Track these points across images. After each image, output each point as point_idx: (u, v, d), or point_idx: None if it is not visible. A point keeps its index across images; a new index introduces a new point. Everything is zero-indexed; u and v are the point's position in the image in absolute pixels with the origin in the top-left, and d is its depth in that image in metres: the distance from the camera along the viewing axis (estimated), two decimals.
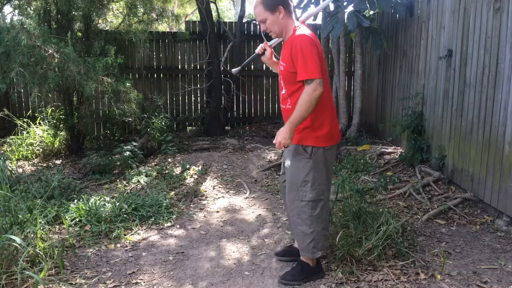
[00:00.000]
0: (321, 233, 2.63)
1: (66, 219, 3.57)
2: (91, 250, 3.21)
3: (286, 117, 2.59)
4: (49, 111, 6.27)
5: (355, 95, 6.29)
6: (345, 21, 5.42)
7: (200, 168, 5.23)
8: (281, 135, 2.47)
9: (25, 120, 6.32)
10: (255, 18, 2.64)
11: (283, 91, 2.64)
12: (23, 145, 5.99)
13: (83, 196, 4.01)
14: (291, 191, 2.62)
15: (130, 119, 6.14)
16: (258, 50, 2.79)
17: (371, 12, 6.83)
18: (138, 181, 4.72)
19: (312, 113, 2.48)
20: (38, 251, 2.76)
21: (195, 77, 7.83)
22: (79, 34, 6.10)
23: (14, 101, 6.82)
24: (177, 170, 5.17)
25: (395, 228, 2.91)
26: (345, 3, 5.57)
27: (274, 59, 2.84)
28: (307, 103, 2.41)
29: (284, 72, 2.57)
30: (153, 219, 3.76)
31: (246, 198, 4.42)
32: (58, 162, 5.76)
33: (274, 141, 2.51)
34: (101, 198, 4.01)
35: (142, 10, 6.50)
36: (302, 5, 5.88)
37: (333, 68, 6.52)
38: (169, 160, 5.63)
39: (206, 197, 4.43)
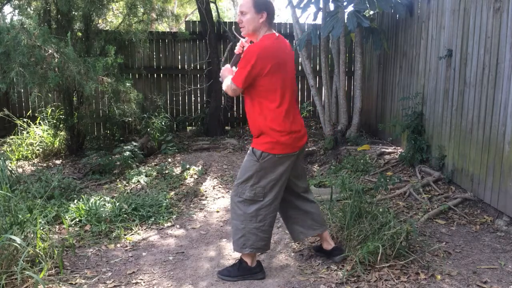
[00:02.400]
0: (252, 232, 2.67)
1: (66, 219, 3.57)
2: (91, 250, 3.21)
3: (248, 116, 2.70)
4: (49, 111, 6.27)
5: (355, 95, 6.28)
6: (345, 21, 5.41)
7: (200, 168, 5.23)
8: (222, 73, 2.77)
9: (25, 120, 6.33)
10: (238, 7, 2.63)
11: None
12: (23, 145, 5.99)
13: (83, 196, 4.01)
14: (234, 186, 2.73)
15: (130, 119, 6.14)
16: (237, 50, 2.83)
17: (371, 12, 6.83)
18: (138, 181, 4.72)
19: (267, 121, 2.58)
20: (38, 251, 2.76)
21: (195, 77, 7.83)
22: (79, 34, 6.11)
23: (14, 101, 6.82)
24: (177, 170, 5.17)
25: (399, 232, 2.90)
26: (345, 3, 5.56)
27: None
28: (224, 86, 2.67)
29: None
30: (153, 219, 3.76)
31: None
32: (58, 162, 5.76)
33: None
34: (101, 198, 4.01)
35: (142, 10, 6.50)
36: (302, 5, 5.87)
37: (333, 68, 6.51)
38: (169, 160, 5.63)
39: (206, 197, 4.43)
